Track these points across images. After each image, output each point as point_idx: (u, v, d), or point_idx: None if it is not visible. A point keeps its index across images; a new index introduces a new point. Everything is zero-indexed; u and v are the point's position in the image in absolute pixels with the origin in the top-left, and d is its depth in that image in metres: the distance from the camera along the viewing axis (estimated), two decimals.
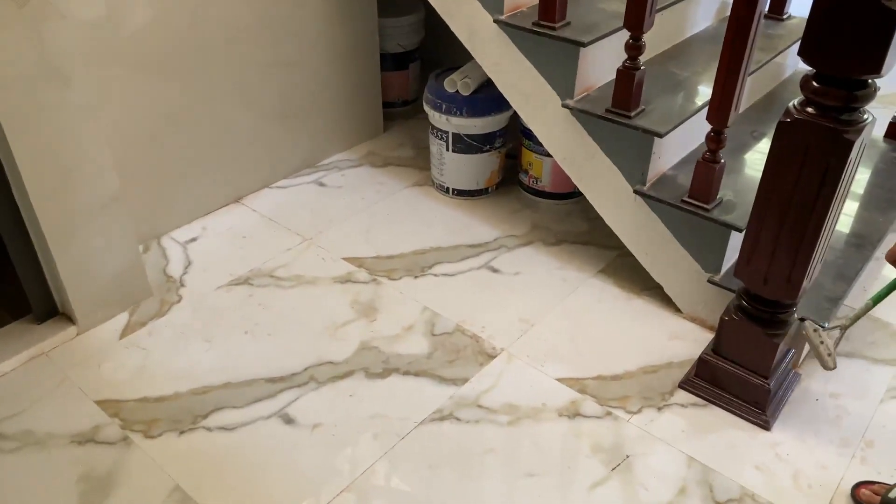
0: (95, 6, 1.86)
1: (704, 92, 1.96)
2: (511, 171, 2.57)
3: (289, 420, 1.67)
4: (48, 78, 1.59)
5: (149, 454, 1.58)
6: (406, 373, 1.80)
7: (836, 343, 1.62)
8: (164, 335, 1.90)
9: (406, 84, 2.99)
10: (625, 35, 1.75)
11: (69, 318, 1.90)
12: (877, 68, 1.23)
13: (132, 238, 1.94)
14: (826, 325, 1.67)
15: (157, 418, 1.66)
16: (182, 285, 2.07)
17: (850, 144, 1.31)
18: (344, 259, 2.18)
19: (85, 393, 1.72)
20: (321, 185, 2.56)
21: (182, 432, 1.63)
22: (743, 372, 1.67)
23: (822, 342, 1.59)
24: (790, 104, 1.37)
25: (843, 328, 1.61)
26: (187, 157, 2.24)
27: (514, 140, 2.50)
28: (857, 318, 1.59)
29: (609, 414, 1.69)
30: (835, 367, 1.60)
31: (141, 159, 2.12)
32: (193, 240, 2.26)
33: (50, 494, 1.50)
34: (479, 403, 1.72)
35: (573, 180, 2.05)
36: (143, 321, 1.94)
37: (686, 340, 1.91)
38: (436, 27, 2.15)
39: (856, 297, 2.00)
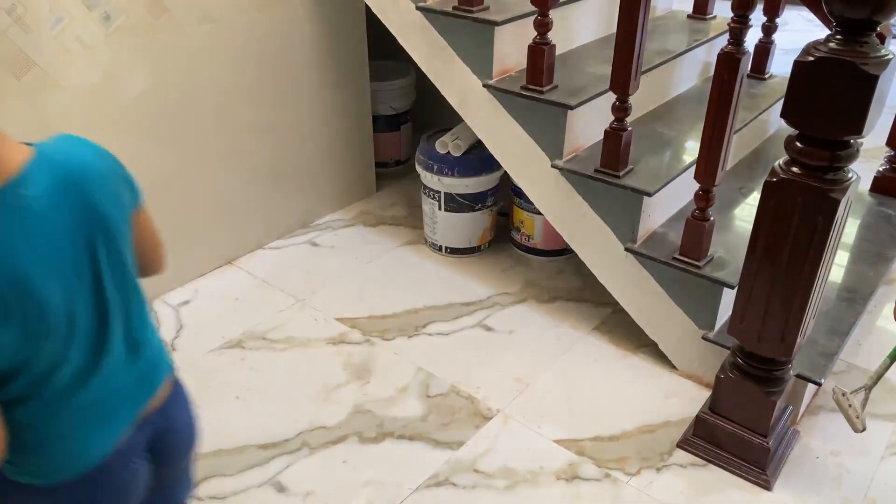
0: (92, 73, 1.90)
1: (691, 150, 2.00)
2: (503, 228, 2.58)
3: (281, 488, 1.63)
4: None
5: None
6: (400, 437, 1.77)
7: (864, 404, 1.62)
8: None
9: (398, 144, 3.04)
10: (611, 97, 1.79)
11: None
12: (857, 130, 1.26)
13: None
14: (848, 390, 1.67)
15: None
16: (173, 349, 2.05)
17: (837, 203, 1.33)
18: (337, 319, 2.17)
19: None
20: (314, 245, 2.57)
21: None
22: (741, 430, 1.65)
23: (850, 405, 1.60)
24: (776, 164, 1.40)
25: (868, 388, 1.62)
26: (180, 220, 2.25)
27: (506, 198, 2.52)
28: (879, 376, 1.60)
29: (608, 476, 1.66)
30: (864, 430, 1.61)
31: None
32: (186, 303, 2.25)
33: None
34: (476, 468, 1.68)
35: (565, 238, 2.07)
36: None
37: (683, 398, 1.89)
38: (427, 89, 2.20)
39: (850, 352, 2.00)
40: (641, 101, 2.08)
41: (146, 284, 2.08)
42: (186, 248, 2.30)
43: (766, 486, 1.63)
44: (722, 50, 1.57)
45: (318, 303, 2.25)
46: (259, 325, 2.15)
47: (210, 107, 2.21)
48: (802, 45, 1.30)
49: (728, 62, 1.56)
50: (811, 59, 1.26)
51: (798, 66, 1.28)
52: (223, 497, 1.60)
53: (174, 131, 2.14)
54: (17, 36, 1.52)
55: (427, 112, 2.97)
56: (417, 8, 2.02)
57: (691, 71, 2.39)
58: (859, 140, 1.33)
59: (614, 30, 1.73)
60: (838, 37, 1.26)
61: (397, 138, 3.02)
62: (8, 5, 1.50)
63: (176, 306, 2.23)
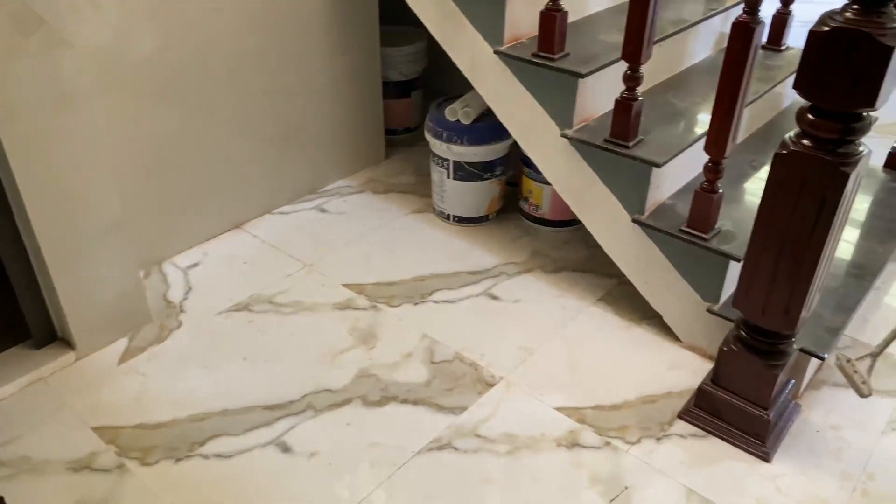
0: (102, 33, 1.90)
1: (703, 122, 1.98)
2: (511, 198, 2.58)
3: (286, 448, 1.66)
4: (56, 105, 1.62)
5: (144, 482, 1.57)
6: (404, 401, 1.79)
7: (870, 371, 1.64)
8: (163, 361, 1.90)
9: (408, 112, 3.02)
10: (623, 66, 1.77)
11: (68, 344, 1.90)
12: (870, 102, 1.24)
13: (133, 264, 1.95)
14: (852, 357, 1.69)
15: (154, 445, 1.66)
16: (182, 311, 2.08)
17: (846, 177, 1.32)
18: (344, 285, 2.19)
19: (83, 419, 1.72)
20: (323, 210, 2.57)
21: (178, 460, 1.63)
22: (742, 403, 1.66)
23: (855, 371, 1.63)
24: (786, 136, 1.39)
25: (874, 356, 1.64)
26: (189, 183, 2.26)
27: (515, 168, 2.51)
28: (887, 343, 1.63)
29: (608, 444, 1.68)
30: (870, 394, 1.65)
31: (143, 185, 2.14)
32: (194, 265, 2.27)
33: None
34: (478, 433, 1.71)
35: (572, 209, 2.06)
36: (142, 346, 1.94)
37: (685, 370, 1.90)
38: (438, 56, 2.18)
39: (856, 328, 2.00)
40: (654, 72, 2.05)
41: (155, 245, 2.08)
42: (195, 211, 2.32)
43: (766, 457, 1.64)
44: (736, 19, 1.54)
45: (326, 268, 2.26)
46: (266, 288, 2.17)
47: (220, 70, 2.20)
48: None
49: (742, 32, 1.53)
50: (826, 28, 1.24)
51: (812, 35, 1.26)
52: (229, 456, 1.64)
53: (183, 94, 2.14)
54: None
55: (438, 79, 2.94)
56: None
57: (706, 41, 2.36)
58: (873, 113, 1.32)
59: None
60: (855, 6, 1.23)
61: (407, 105, 3.00)
62: None
63: (185, 269, 2.25)
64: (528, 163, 2.36)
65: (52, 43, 1.56)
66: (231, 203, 2.41)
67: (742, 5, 1.56)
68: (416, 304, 2.12)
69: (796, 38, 2.34)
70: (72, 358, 1.88)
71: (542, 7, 1.86)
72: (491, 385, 1.84)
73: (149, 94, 2.06)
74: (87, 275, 1.84)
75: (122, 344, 1.95)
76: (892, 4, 1.24)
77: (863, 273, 1.92)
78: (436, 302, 2.13)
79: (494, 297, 2.16)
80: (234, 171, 2.37)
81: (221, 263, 2.28)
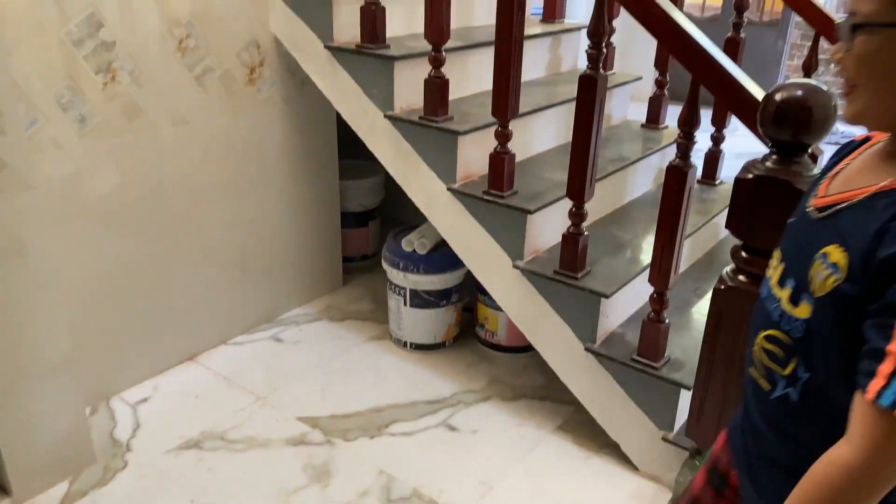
0: (62, 172, 1.93)
1: (647, 253, 2.07)
2: (468, 324, 2.61)
3: None
4: (5, 250, 1.61)
5: None
6: None
7: None
8: None
9: (366, 240, 3.09)
10: (569, 201, 1.87)
11: (3, 489, 1.79)
12: None
13: (79, 401, 1.88)
14: None
15: None
16: (128, 450, 1.99)
17: None
18: (298, 419, 2.14)
19: None
20: (278, 340, 2.56)
21: None
22: None
23: None
24: (724, 271, 1.47)
25: None
26: (144, 314, 2.24)
27: (470, 294, 2.57)
28: None
29: None
30: None
31: (96, 316, 2.11)
32: (144, 400, 2.20)
33: None
34: None
35: (527, 337, 2.10)
36: (83, 491, 1.84)
37: (644, 500, 1.88)
38: (395, 187, 2.27)
39: None
40: (598, 205, 2.17)
41: (104, 378, 2.04)
42: (148, 344, 2.28)
43: None
44: (670, 163, 1.67)
45: (280, 401, 2.22)
46: (218, 424, 2.11)
47: (179, 201, 2.24)
48: (753, 148, 1.39)
49: (676, 175, 1.65)
50: (750, 176, 1.36)
51: (738, 182, 1.37)
52: None
53: (141, 225, 2.16)
54: None
55: (395, 208, 3.04)
56: (385, 116, 2.12)
57: (645, 177, 2.52)
58: None
59: (571, 138, 1.83)
60: (774, 156, 1.36)
61: (365, 234, 3.08)
62: None
63: (134, 404, 2.18)
64: (483, 290, 2.41)
65: (13, 184, 1.59)
66: (185, 334, 2.39)
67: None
68: (372, 437, 2.08)
69: (730, 169, 2.52)
70: None
71: (490, 149, 1.98)
72: None
73: (106, 225, 2.07)
74: (30, 413, 1.77)
75: (62, 488, 1.85)
76: (805, 155, 1.36)
77: None
78: (393, 434, 2.10)
79: (453, 428, 2.13)
80: (190, 300, 2.37)
81: (173, 398, 2.22)
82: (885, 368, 0.71)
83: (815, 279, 0.80)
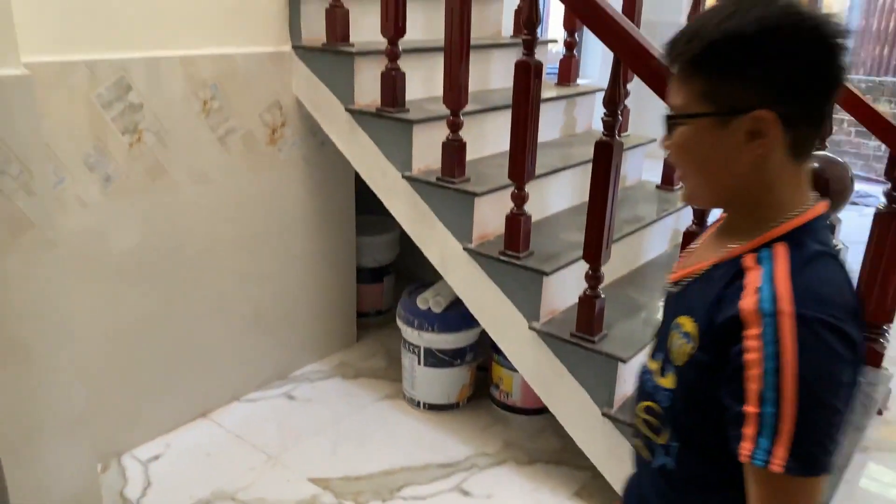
0: (85, 229, 1.97)
1: None
2: (482, 384, 2.59)
3: None
4: (27, 308, 1.63)
5: None
6: None
7: None
8: None
9: (380, 296, 3.10)
10: (585, 262, 1.87)
11: None
12: None
13: (92, 459, 1.87)
14: None
15: None
16: None
17: None
18: (309, 480, 2.11)
19: None
20: (291, 397, 2.54)
21: None
22: None
23: None
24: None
25: None
26: (157, 369, 2.24)
27: (485, 354, 2.55)
28: None
29: None
30: None
31: (110, 371, 2.11)
32: (155, 458, 2.18)
33: None
34: None
35: (542, 399, 2.08)
36: None
37: None
38: (411, 244, 2.29)
39: None
40: (614, 266, 2.17)
41: (117, 435, 2.01)
42: (163, 400, 2.27)
43: None
44: (687, 229, 1.67)
45: (291, 460, 2.19)
46: (229, 483, 2.08)
47: (197, 257, 2.27)
48: None
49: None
50: None
51: None
52: None
53: (158, 279, 2.18)
54: (21, 199, 1.58)
55: (411, 264, 3.06)
56: (403, 177, 2.15)
57: (661, 238, 2.52)
58: None
59: (587, 198, 1.84)
60: None
61: (379, 289, 3.09)
62: (15, 171, 1.59)
63: (145, 461, 2.17)
64: (498, 349, 2.40)
65: (38, 244, 1.62)
66: (199, 390, 2.38)
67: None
68: (384, 500, 2.04)
69: None
70: None
71: (507, 210, 2.00)
72: None
73: (125, 281, 2.10)
74: (41, 471, 1.75)
75: None
76: None
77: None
78: (405, 499, 2.06)
79: (466, 493, 2.09)
80: (204, 356, 2.37)
81: (184, 456, 2.20)
82: (748, 431, 0.74)
83: (673, 348, 0.85)
